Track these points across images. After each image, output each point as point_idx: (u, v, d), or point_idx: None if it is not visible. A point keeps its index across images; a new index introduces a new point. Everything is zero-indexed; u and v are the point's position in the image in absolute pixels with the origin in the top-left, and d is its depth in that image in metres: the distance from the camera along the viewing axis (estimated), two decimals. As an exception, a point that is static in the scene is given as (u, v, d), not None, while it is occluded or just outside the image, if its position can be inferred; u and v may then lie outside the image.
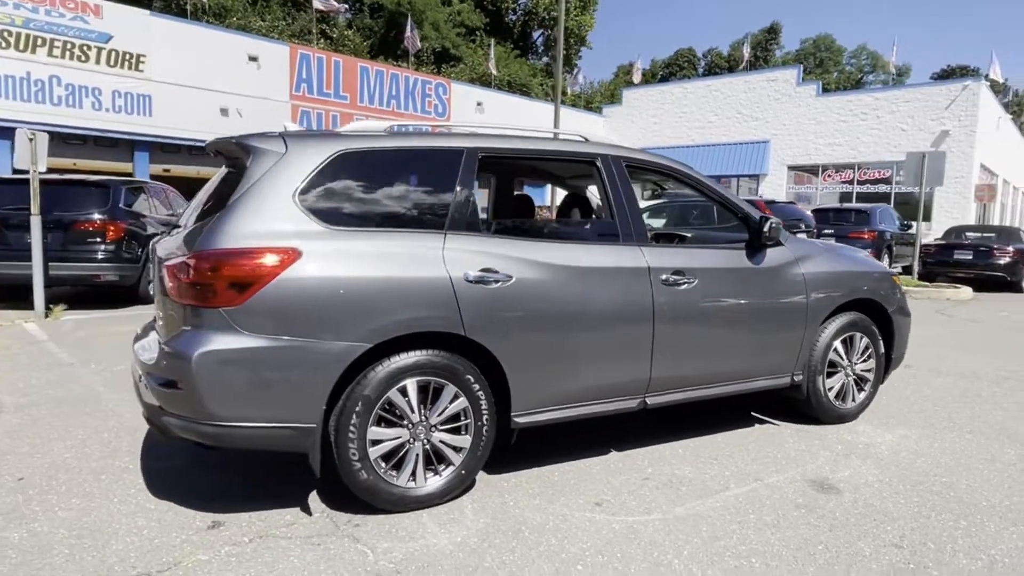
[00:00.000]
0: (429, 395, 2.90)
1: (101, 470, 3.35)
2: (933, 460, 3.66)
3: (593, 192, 4.03)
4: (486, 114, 27.91)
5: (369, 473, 2.80)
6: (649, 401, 3.46)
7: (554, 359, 3.14)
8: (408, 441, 2.88)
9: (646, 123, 31.24)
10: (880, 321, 4.33)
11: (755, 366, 3.82)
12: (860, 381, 4.29)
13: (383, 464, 2.85)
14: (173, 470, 3.39)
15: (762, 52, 61.64)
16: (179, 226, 3.22)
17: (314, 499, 3.04)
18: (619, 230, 3.41)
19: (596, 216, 4.00)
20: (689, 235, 5.49)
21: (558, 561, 2.55)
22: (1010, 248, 12.27)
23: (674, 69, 65.60)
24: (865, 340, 4.24)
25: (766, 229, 3.74)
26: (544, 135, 3.53)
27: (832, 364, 4.13)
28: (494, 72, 34.09)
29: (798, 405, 4.19)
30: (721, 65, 65.72)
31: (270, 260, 2.61)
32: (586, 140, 3.58)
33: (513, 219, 3.83)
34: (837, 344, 4.12)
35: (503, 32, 47.26)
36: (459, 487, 3.01)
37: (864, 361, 4.28)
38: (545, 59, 55.57)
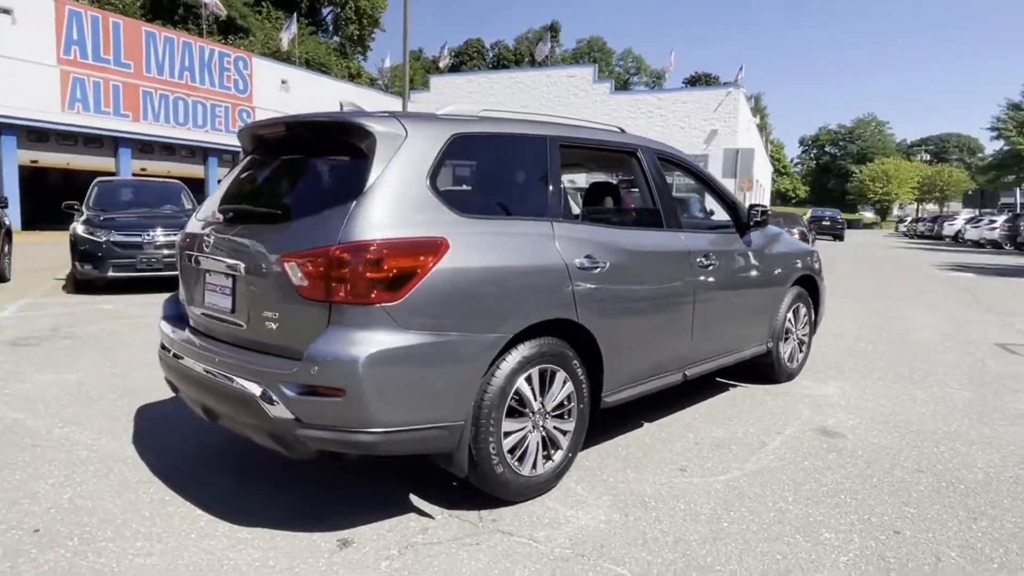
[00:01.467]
0: (545, 383, 2.92)
1: (135, 506, 2.81)
2: (878, 404, 4.52)
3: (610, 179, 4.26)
4: (291, 93, 26.24)
5: (504, 467, 2.75)
6: (688, 373, 3.80)
7: (636, 339, 3.34)
8: (529, 430, 2.88)
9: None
10: (811, 292, 5.16)
11: (751, 336, 4.38)
12: (801, 344, 5.09)
13: (509, 456, 2.82)
14: (227, 494, 2.95)
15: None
16: (218, 220, 2.87)
17: (412, 501, 2.89)
18: (662, 216, 3.68)
19: (621, 203, 4.23)
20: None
21: (702, 521, 2.77)
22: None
23: (464, 59, 67.07)
24: (804, 309, 5.04)
25: (756, 215, 4.27)
26: (588, 125, 3.65)
27: (787, 331, 4.85)
28: (287, 47, 31.93)
29: (761, 369, 4.84)
30: (508, 58, 68.62)
31: (429, 250, 2.44)
32: (623, 131, 3.78)
33: (598, 206, 3.91)
34: (789, 314, 4.84)
35: (290, 6, 44.42)
36: (565, 471, 3.08)
37: (803, 327, 5.08)
38: (336, 38, 53.33)
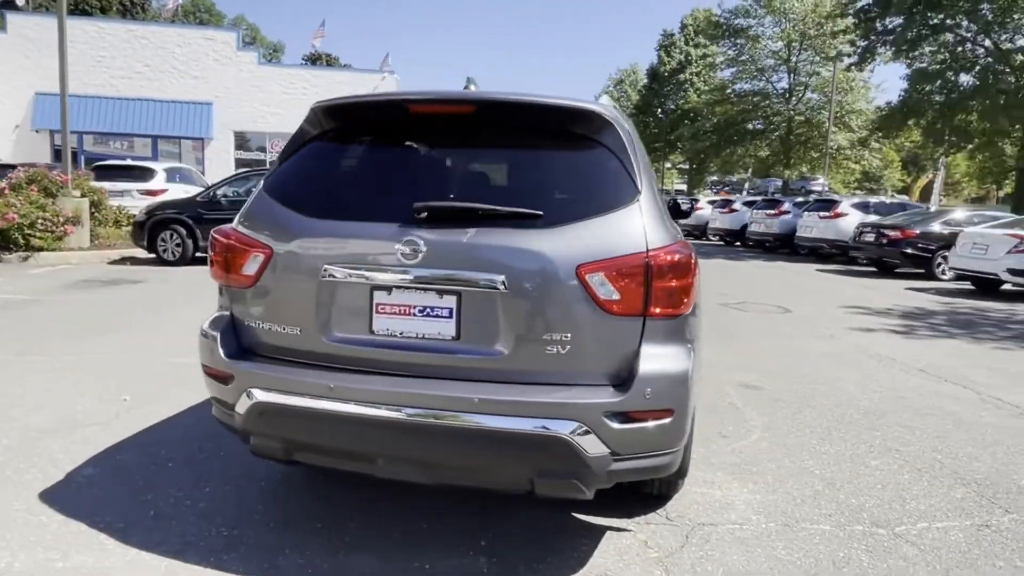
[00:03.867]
0: None
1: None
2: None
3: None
4: None
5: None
6: None
7: None
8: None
9: (49, 62, 25.11)
10: None
11: None
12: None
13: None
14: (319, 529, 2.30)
15: (140, 1, 56.28)
16: (394, 220, 2.22)
17: (587, 521, 2.74)
18: None
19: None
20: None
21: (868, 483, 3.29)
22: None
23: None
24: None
25: None
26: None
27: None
28: None
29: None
30: (92, 4, 57.00)
31: (693, 255, 2.31)
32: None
33: None
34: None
35: None
36: None
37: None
38: None
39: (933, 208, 17.51)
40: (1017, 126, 17.64)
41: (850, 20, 21.43)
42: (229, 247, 2.42)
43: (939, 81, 18.67)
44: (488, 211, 2.17)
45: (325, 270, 2.23)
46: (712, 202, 25.17)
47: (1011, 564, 2.52)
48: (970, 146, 20.85)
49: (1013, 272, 10.31)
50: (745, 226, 21.21)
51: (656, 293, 2.12)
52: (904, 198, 27.42)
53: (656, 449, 2.18)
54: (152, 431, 3.52)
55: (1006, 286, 11.21)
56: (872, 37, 19.85)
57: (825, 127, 29.59)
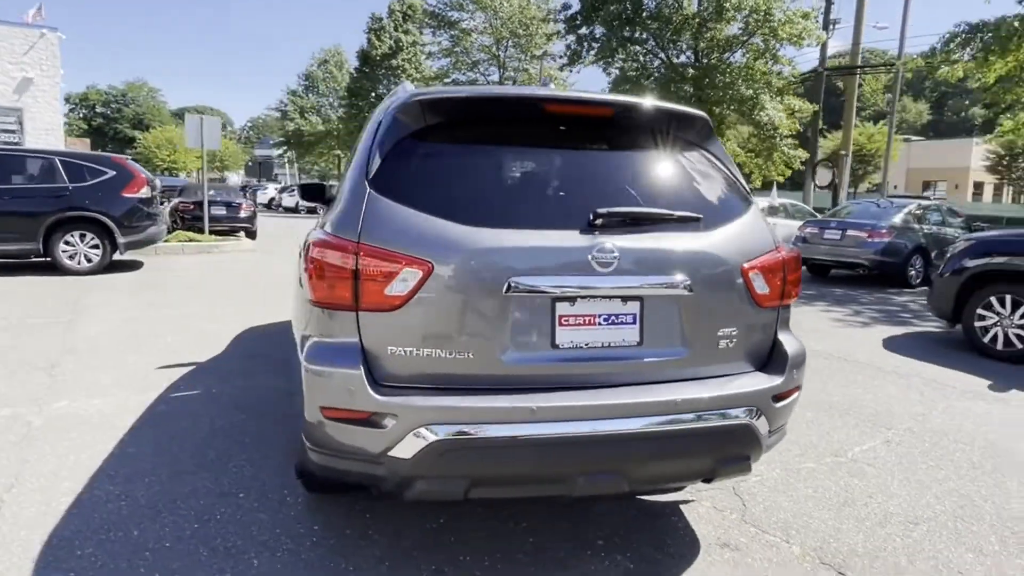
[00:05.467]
0: None
1: None
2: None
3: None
4: None
5: None
6: None
7: None
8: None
9: None
10: None
11: None
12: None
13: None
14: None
15: None
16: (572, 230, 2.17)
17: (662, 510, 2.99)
18: None
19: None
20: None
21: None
22: (240, 202, 14.64)
23: None
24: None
25: None
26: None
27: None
28: None
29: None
30: None
31: None
32: None
33: None
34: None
35: None
36: None
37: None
38: None
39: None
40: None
41: (561, 26, 24.14)
42: (367, 264, 2.03)
43: (628, 86, 22.15)
44: (661, 215, 2.25)
45: (509, 285, 2.06)
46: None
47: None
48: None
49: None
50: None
51: (787, 285, 2.45)
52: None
53: (786, 420, 2.52)
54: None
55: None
56: (582, 44, 22.83)
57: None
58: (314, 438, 2.14)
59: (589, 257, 2.11)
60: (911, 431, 3.95)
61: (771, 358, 2.42)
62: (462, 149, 2.33)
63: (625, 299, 2.18)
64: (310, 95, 53.07)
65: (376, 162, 2.21)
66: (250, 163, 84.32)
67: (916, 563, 2.52)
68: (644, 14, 21.38)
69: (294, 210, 33.98)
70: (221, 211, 13.96)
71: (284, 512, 2.69)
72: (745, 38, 21.03)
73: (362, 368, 2.02)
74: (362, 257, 2.04)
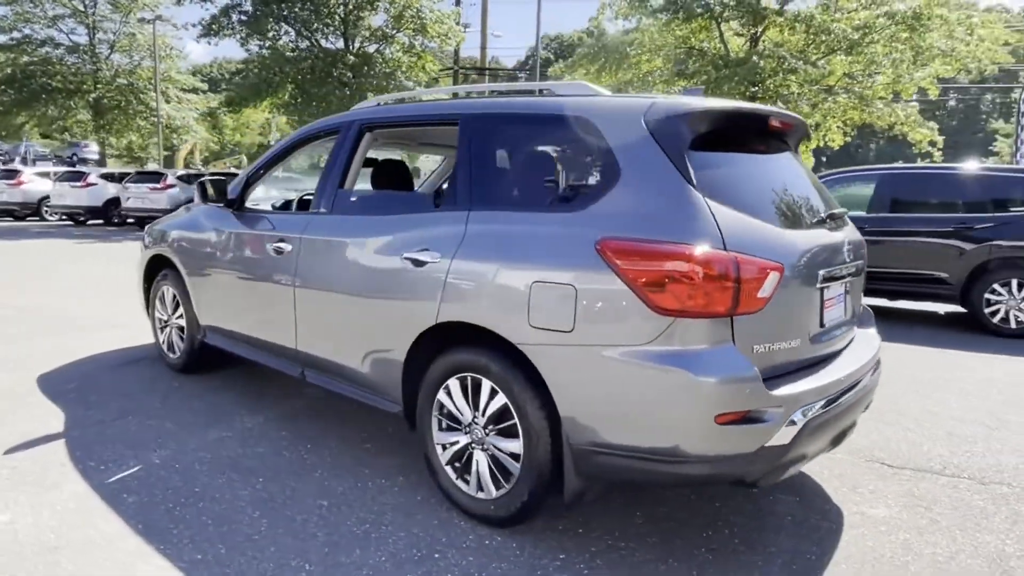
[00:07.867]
0: None
1: None
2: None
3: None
4: None
5: None
6: None
7: None
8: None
9: None
10: None
11: None
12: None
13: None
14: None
15: None
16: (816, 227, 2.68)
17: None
18: None
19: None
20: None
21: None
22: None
23: None
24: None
25: None
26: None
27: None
28: None
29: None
30: None
31: None
32: None
33: None
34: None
35: None
36: None
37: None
38: None
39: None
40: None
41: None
42: (747, 272, 2.14)
43: (282, 65, 20.82)
44: (842, 213, 2.88)
45: (821, 276, 2.46)
46: (48, 173, 20.59)
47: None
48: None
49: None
50: (111, 201, 18.71)
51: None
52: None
53: None
54: None
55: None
56: (228, 15, 20.57)
57: (151, 94, 27.81)
58: (684, 449, 2.12)
59: (845, 250, 2.67)
60: None
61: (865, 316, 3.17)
62: (733, 158, 2.56)
63: (843, 281, 2.68)
64: None
65: (689, 170, 2.23)
66: None
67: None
68: (293, -8, 20.24)
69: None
70: None
71: None
72: (393, 32, 21.59)
73: (756, 368, 2.14)
74: (742, 266, 2.14)
